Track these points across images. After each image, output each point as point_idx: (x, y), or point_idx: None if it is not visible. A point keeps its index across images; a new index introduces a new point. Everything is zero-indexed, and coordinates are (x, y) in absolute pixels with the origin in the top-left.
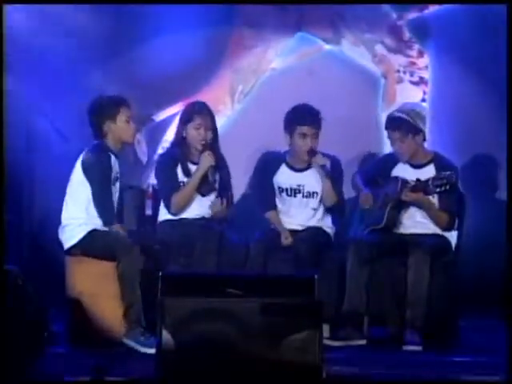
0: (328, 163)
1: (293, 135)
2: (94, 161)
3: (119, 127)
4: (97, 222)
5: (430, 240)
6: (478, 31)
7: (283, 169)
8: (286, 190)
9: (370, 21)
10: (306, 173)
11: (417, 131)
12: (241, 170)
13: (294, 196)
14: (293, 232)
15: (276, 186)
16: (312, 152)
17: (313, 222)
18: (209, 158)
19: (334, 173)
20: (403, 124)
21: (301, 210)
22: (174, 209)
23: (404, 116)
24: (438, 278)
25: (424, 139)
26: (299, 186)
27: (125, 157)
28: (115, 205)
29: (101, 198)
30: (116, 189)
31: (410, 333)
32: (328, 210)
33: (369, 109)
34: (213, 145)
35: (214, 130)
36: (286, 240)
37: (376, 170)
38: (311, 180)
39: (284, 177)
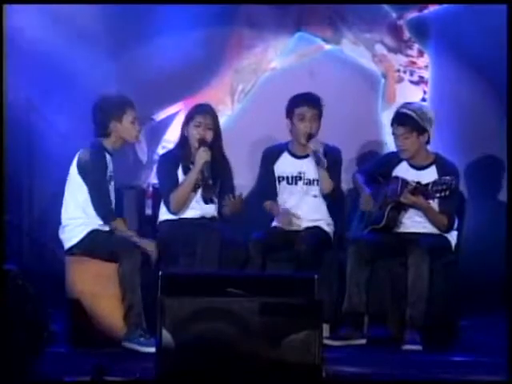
0: (321, 149)
1: (292, 119)
2: (88, 161)
3: (124, 128)
4: (96, 222)
5: (430, 239)
6: (478, 31)
7: (284, 156)
8: (287, 178)
9: (370, 20)
10: (306, 160)
11: (422, 131)
12: (241, 170)
13: (296, 183)
14: (293, 232)
15: (276, 176)
16: (310, 136)
17: (313, 213)
18: (204, 154)
19: (330, 161)
20: (410, 121)
21: (301, 197)
22: (173, 207)
23: (412, 113)
24: (438, 278)
25: (428, 141)
26: (300, 173)
27: (125, 156)
28: (113, 201)
29: (97, 197)
30: (111, 187)
31: (409, 332)
32: (325, 198)
33: (369, 108)
34: (214, 144)
35: (216, 130)
36: (288, 224)
37: (377, 169)
38: (312, 167)
39: (285, 165)
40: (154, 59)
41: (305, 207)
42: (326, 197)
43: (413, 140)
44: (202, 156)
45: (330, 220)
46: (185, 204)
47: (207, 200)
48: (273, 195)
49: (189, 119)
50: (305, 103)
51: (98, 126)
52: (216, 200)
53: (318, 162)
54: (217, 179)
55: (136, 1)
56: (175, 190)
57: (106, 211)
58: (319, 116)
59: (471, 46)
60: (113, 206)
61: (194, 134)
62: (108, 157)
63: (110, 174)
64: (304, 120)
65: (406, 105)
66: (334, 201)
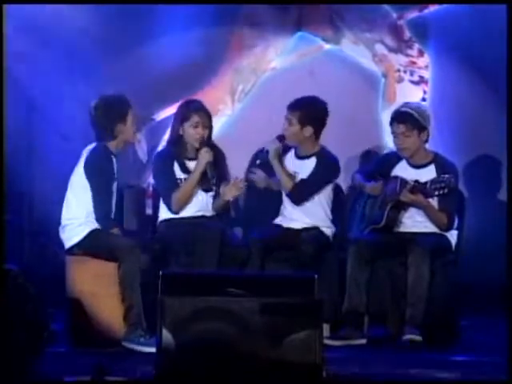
0: (273, 148)
1: None
2: (97, 165)
3: (128, 129)
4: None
5: (430, 239)
6: (478, 31)
7: (290, 154)
8: None
9: (370, 20)
10: (304, 161)
11: (422, 128)
12: (241, 169)
13: None
14: (293, 231)
15: None
16: (280, 137)
17: (307, 216)
18: (206, 154)
19: (321, 166)
20: (410, 118)
21: None
22: (175, 207)
23: (412, 112)
24: (438, 277)
25: (427, 139)
26: (295, 173)
27: (125, 156)
28: (113, 207)
29: (100, 204)
30: (114, 189)
31: (408, 327)
32: (287, 197)
33: (369, 108)
34: (208, 141)
35: (211, 127)
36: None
37: (376, 168)
38: (305, 169)
39: (288, 162)
40: (154, 59)
41: (299, 209)
42: (288, 196)
43: (413, 138)
44: (205, 157)
45: (328, 223)
46: (186, 204)
47: (206, 189)
48: (277, 192)
49: (184, 118)
50: (288, 107)
51: (103, 130)
52: (214, 188)
53: (273, 160)
54: (214, 170)
55: (136, 1)
56: (177, 190)
57: (106, 221)
58: (299, 122)
59: (471, 45)
60: (113, 213)
61: (193, 134)
62: (114, 160)
63: (114, 176)
64: (285, 121)
65: (405, 104)
66: (297, 203)
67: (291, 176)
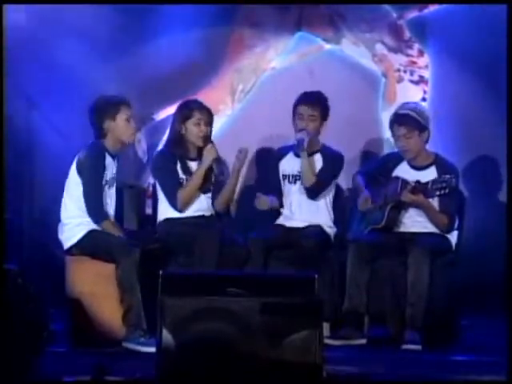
0: (306, 138)
1: (294, 118)
2: (86, 160)
3: (119, 126)
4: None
5: (430, 239)
6: (478, 31)
7: (290, 155)
8: (288, 176)
9: (370, 20)
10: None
11: (423, 129)
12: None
13: (295, 183)
14: (294, 229)
15: (280, 174)
16: (301, 130)
17: (311, 216)
18: (212, 151)
19: (328, 163)
20: (411, 120)
21: (299, 196)
22: (181, 205)
23: (411, 113)
24: (438, 278)
25: (427, 140)
26: (300, 172)
27: (125, 156)
28: (113, 204)
29: (89, 196)
30: (113, 190)
31: (409, 332)
32: (306, 191)
33: (369, 108)
34: (210, 140)
35: (212, 125)
36: None
37: (377, 169)
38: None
39: (288, 163)
40: (154, 59)
41: (303, 208)
42: (307, 191)
43: (415, 139)
44: (211, 153)
45: (330, 223)
46: (192, 201)
47: (205, 191)
48: (277, 191)
49: (186, 117)
50: (303, 102)
51: (93, 127)
52: (211, 188)
53: (301, 152)
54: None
55: (136, 1)
56: (182, 188)
57: (96, 213)
58: (320, 116)
59: (471, 45)
60: (106, 207)
61: (196, 132)
62: (109, 158)
63: (111, 176)
64: (302, 119)
65: (403, 105)
66: (314, 198)
67: (314, 172)
